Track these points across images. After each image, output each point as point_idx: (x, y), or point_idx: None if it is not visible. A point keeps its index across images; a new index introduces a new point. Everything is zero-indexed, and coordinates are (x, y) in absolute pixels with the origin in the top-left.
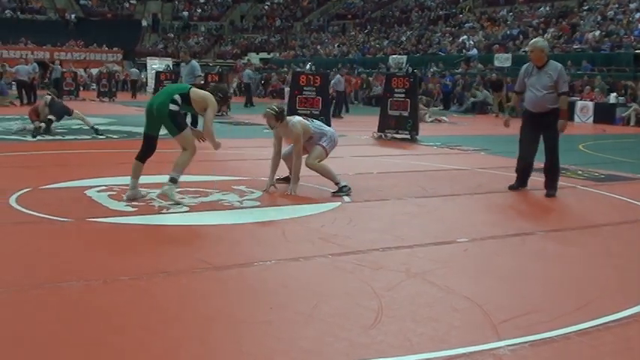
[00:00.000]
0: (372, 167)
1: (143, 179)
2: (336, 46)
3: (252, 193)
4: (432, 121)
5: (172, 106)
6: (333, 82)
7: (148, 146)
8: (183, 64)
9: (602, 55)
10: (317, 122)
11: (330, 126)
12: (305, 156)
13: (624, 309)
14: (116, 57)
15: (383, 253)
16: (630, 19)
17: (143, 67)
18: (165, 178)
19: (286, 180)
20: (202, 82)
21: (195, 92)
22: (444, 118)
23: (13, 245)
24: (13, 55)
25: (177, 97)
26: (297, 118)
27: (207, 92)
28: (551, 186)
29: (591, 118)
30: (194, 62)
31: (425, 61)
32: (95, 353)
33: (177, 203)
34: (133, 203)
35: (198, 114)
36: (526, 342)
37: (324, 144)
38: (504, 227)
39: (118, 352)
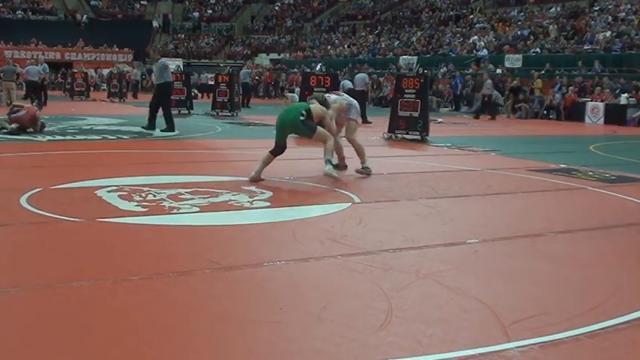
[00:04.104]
0: (382, 168)
1: (159, 179)
2: (346, 46)
3: (263, 193)
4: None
5: (301, 117)
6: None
7: (282, 149)
8: (154, 62)
9: (613, 56)
10: (344, 95)
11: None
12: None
13: (635, 311)
14: (127, 57)
15: (393, 254)
16: None
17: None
18: (180, 179)
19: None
20: (170, 79)
21: (314, 109)
22: (437, 119)
23: (24, 245)
24: (24, 56)
25: (304, 112)
26: (333, 96)
27: (322, 107)
28: None
29: (602, 119)
30: (161, 61)
31: (435, 62)
32: (105, 352)
33: (336, 177)
34: (143, 203)
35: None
36: (536, 344)
37: (354, 116)
38: (514, 228)
39: (128, 351)
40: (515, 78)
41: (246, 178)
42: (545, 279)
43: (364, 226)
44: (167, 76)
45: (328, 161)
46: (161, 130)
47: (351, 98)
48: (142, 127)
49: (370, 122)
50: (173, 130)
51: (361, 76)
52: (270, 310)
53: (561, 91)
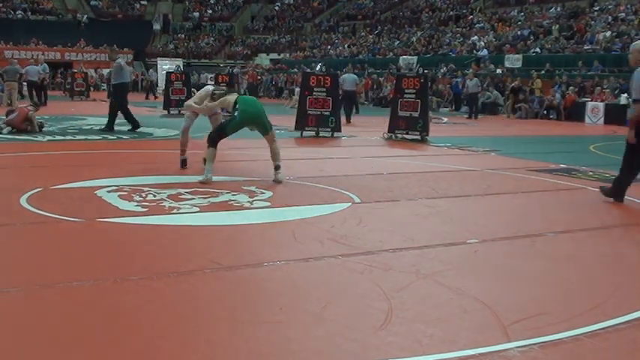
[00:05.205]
0: (382, 168)
1: (159, 179)
2: (346, 46)
3: (263, 193)
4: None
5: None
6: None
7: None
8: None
9: (613, 56)
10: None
11: (340, 130)
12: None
13: (635, 310)
14: (127, 58)
15: (393, 254)
16: None
17: (154, 67)
18: (180, 179)
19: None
20: (126, 80)
21: None
22: (442, 118)
23: (24, 245)
24: (24, 56)
25: None
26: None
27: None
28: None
29: (602, 119)
30: (118, 61)
31: (435, 62)
32: (105, 353)
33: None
34: (143, 203)
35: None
36: (536, 344)
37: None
38: (514, 228)
39: (128, 351)
40: (516, 78)
41: (246, 179)
42: (545, 279)
43: (364, 226)
44: (124, 77)
45: (278, 167)
46: (128, 130)
47: None
48: (129, 130)
49: (351, 122)
50: (138, 127)
51: (351, 77)
52: (270, 310)
53: (561, 89)
